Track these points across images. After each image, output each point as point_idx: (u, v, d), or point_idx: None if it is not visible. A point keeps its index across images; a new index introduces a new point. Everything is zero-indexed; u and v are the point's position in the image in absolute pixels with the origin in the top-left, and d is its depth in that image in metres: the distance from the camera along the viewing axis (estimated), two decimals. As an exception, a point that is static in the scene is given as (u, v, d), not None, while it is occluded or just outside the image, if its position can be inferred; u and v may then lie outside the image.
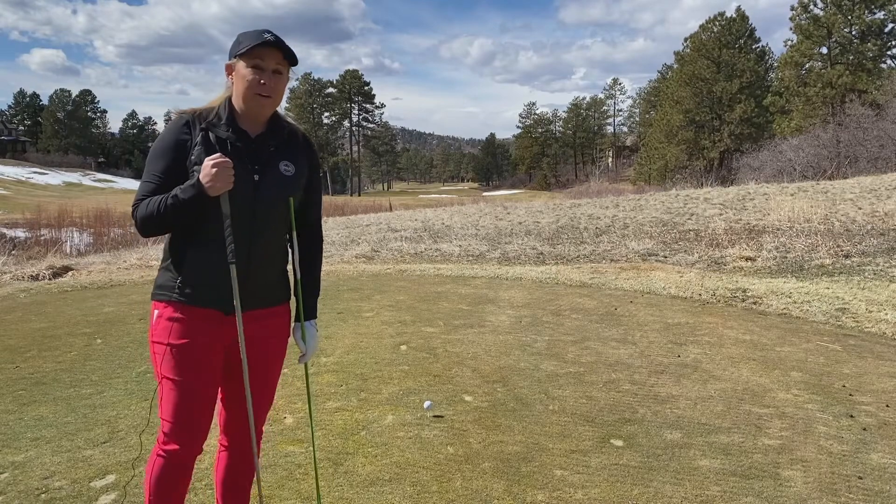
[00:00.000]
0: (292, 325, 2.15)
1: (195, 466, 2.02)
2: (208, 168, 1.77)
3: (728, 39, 53.72)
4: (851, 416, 3.43)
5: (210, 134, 1.87)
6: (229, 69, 1.91)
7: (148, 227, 1.84)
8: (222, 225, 1.83)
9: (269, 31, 1.88)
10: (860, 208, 12.29)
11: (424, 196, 76.12)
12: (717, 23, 54.56)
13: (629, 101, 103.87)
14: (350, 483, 2.72)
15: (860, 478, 2.76)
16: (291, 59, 1.90)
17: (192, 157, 1.84)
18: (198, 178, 1.78)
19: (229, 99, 1.94)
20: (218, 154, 1.80)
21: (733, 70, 52.74)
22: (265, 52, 1.84)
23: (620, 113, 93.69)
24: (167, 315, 1.89)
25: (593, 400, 3.69)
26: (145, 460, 2.04)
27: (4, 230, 21.87)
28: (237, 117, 1.91)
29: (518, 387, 3.90)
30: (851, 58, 44.04)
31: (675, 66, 59.35)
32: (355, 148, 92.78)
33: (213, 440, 2.20)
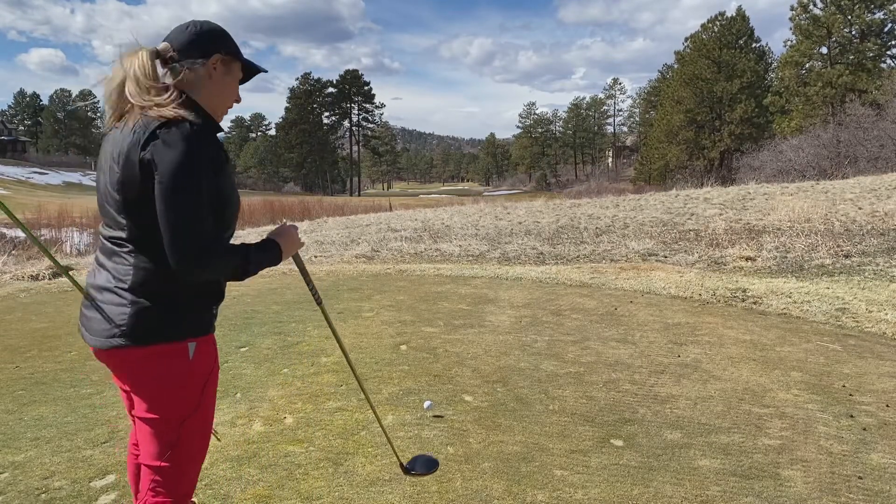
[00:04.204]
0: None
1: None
2: (297, 240, 1.78)
3: (728, 39, 53.75)
4: (851, 416, 3.42)
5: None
6: (221, 63, 1.70)
7: (214, 276, 1.59)
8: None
9: None
10: (860, 208, 12.29)
11: (425, 196, 76.11)
12: (718, 23, 54.60)
13: (629, 101, 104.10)
14: (350, 483, 2.72)
15: (860, 478, 2.76)
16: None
17: (220, 179, 1.60)
18: (280, 249, 1.72)
19: (188, 97, 1.66)
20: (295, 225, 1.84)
21: (734, 70, 52.77)
22: None
23: (620, 113, 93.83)
24: (205, 348, 1.70)
25: (593, 400, 3.69)
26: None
27: (4, 230, 21.85)
28: None
29: (518, 387, 3.90)
30: (851, 57, 44.06)
31: (676, 65, 59.42)
32: (355, 148, 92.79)
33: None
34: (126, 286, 1.61)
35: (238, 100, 1.79)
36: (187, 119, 1.56)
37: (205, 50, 1.67)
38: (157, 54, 1.66)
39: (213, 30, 1.71)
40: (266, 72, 1.85)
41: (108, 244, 1.67)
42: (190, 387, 1.66)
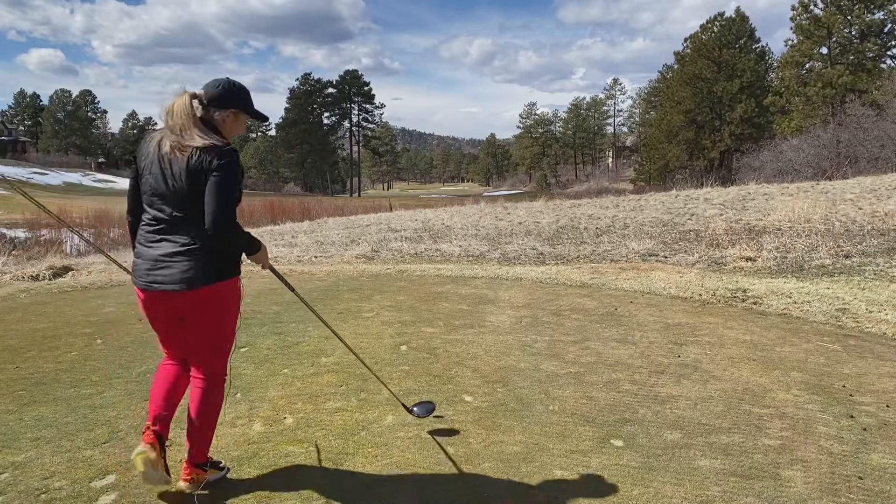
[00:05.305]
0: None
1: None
2: (267, 258, 2.73)
3: (728, 39, 53.72)
4: (851, 417, 3.43)
5: None
6: (232, 115, 2.53)
7: (231, 242, 2.43)
8: None
9: None
10: (860, 208, 12.30)
11: (425, 196, 76.09)
12: (718, 23, 54.57)
13: (629, 102, 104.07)
14: (350, 483, 2.72)
15: (860, 478, 2.76)
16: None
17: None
18: (261, 248, 2.62)
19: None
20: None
21: (734, 70, 52.73)
22: None
23: (620, 113, 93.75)
24: (239, 280, 2.56)
25: (593, 400, 3.69)
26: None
27: (4, 230, 21.87)
28: None
29: (518, 387, 3.90)
30: (851, 58, 44.05)
31: (676, 66, 59.34)
32: (355, 148, 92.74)
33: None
34: (200, 246, 2.38)
35: (243, 132, 2.72)
36: (231, 146, 2.41)
37: (224, 104, 2.49)
38: (194, 95, 2.45)
39: (235, 90, 2.52)
40: (267, 119, 2.72)
41: (165, 225, 2.41)
42: (238, 305, 2.60)
